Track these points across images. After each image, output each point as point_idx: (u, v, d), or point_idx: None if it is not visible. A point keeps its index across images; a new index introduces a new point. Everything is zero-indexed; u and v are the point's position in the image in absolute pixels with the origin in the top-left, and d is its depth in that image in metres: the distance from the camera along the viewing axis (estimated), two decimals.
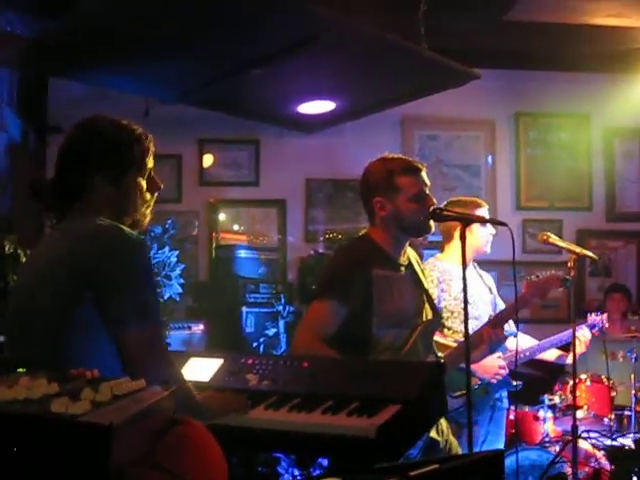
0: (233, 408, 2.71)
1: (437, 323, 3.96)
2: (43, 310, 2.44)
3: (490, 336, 4.05)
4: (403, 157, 3.72)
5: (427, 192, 3.64)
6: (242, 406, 2.72)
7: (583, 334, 4.94)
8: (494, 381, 4.55)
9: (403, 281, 3.66)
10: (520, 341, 4.67)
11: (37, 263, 2.62)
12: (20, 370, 1.77)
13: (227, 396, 2.77)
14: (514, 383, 4.68)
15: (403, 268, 3.70)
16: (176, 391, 2.19)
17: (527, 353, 4.94)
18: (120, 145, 2.68)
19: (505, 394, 4.89)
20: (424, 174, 3.67)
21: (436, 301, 4.38)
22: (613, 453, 5.35)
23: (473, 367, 3.90)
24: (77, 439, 1.27)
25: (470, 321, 4.32)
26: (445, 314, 4.64)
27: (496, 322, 4.23)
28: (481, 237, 4.76)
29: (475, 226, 4.63)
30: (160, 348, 2.51)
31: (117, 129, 2.71)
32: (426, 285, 3.89)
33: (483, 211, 4.79)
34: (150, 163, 2.78)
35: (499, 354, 4.55)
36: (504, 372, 4.56)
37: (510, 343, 4.54)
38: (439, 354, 3.83)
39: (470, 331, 4.26)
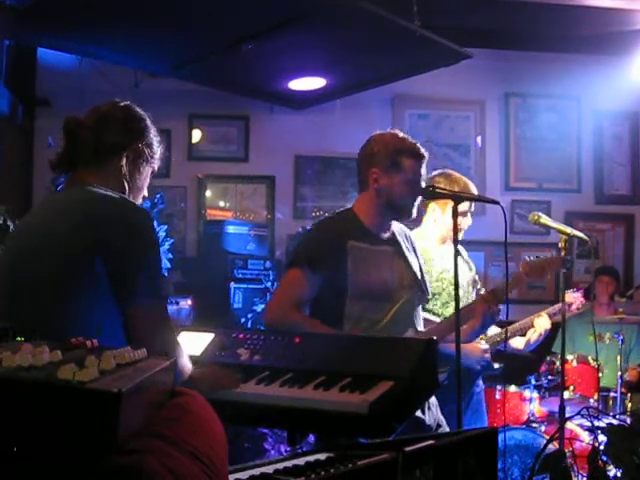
0: (223, 384, 2.71)
1: (421, 298, 3.89)
2: (46, 276, 2.41)
3: (484, 312, 3.90)
4: (413, 140, 3.73)
5: (421, 182, 3.68)
6: (232, 382, 2.73)
7: (544, 323, 4.74)
8: (478, 367, 4.31)
9: (383, 255, 3.66)
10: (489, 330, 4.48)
11: (35, 230, 2.59)
12: (19, 338, 1.76)
13: (218, 372, 2.77)
14: (495, 366, 4.43)
15: (384, 242, 3.71)
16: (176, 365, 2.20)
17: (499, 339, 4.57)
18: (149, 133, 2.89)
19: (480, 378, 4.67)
20: (424, 164, 3.70)
21: None
22: (610, 430, 5.36)
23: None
24: (86, 406, 1.26)
25: (451, 303, 4.28)
26: None
27: (489, 298, 3.99)
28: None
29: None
30: (168, 322, 2.53)
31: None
32: (414, 260, 3.84)
33: None
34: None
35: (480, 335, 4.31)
36: (488, 356, 4.32)
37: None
38: (419, 329, 3.77)
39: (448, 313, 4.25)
